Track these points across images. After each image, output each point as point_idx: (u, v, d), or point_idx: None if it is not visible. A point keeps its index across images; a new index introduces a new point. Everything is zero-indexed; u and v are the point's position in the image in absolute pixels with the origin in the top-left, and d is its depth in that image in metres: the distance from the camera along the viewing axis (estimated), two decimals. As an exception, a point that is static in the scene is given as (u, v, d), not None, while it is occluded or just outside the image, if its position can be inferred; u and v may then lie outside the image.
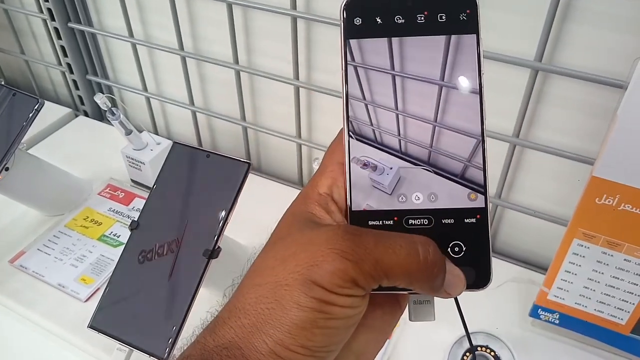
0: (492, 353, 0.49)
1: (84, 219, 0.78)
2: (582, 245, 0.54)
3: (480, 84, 0.26)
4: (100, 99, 0.71)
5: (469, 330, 0.51)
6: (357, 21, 0.26)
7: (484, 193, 0.26)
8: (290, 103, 0.77)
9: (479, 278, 0.26)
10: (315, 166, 0.58)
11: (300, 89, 0.75)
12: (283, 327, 0.23)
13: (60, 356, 0.62)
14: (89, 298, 0.67)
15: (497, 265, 0.70)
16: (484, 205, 0.26)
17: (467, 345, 0.49)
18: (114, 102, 0.98)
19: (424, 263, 0.24)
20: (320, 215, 0.27)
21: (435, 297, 0.27)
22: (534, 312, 0.61)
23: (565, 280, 0.57)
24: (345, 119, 0.27)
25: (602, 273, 0.55)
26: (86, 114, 1.03)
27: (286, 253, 0.24)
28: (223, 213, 0.53)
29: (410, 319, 0.27)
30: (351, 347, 0.26)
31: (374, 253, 0.23)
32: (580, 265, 0.55)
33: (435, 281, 0.25)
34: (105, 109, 0.73)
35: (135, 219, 0.56)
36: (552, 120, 0.62)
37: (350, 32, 0.26)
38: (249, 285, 0.25)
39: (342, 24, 0.26)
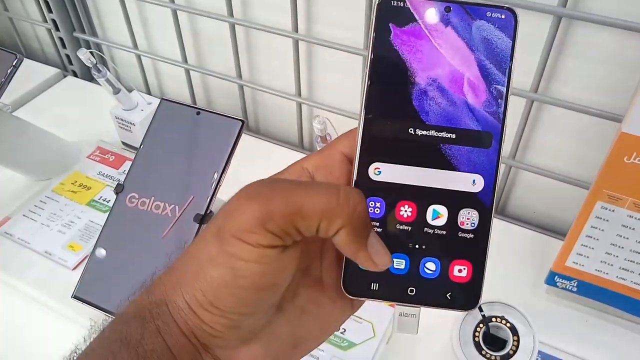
0: (508, 324, 0.45)
1: (72, 184, 0.74)
2: (606, 209, 0.50)
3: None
4: (84, 55, 0.66)
5: (486, 300, 0.48)
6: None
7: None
8: (289, 58, 0.72)
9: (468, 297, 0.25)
10: (316, 124, 0.53)
11: (299, 42, 0.70)
12: (196, 284, 0.23)
13: (47, 327, 0.59)
14: (77, 266, 0.63)
15: (510, 230, 0.66)
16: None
17: (480, 317, 0.46)
18: (104, 62, 0.93)
19: (344, 200, 0.22)
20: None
21: (420, 312, 0.26)
22: (550, 280, 0.57)
23: (586, 246, 0.53)
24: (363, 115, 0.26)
25: (627, 238, 0.51)
26: (75, 74, 0.98)
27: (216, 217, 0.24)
28: (215, 175, 0.49)
29: (394, 331, 0.27)
30: (290, 330, 0.25)
31: (286, 191, 0.22)
32: (603, 230, 0.51)
33: (359, 234, 0.23)
34: (90, 66, 0.68)
35: (122, 182, 0.52)
36: (574, 74, 0.56)
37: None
38: (185, 250, 0.25)
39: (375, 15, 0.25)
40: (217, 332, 0.23)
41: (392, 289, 0.25)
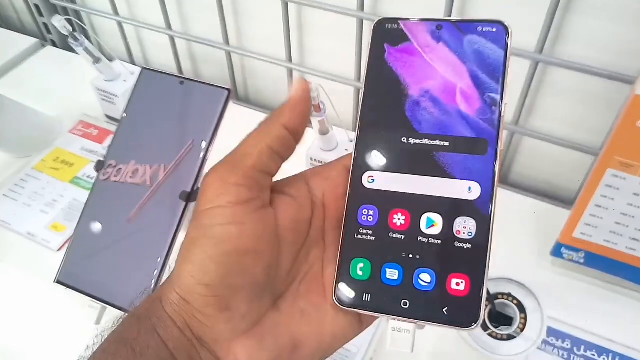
0: (515, 301, 0.43)
1: (54, 160, 0.70)
2: (617, 176, 0.47)
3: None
4: (59, 22, 0.62)
5: (491, 276, 0.46)
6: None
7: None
8: (278, 22, 0.68)
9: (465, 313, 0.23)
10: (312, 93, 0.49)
11: (289, 4, 0.66)
12: (184, 272, 0.23)
13: (31, 311, 0.57)
14: (61, 247, 0.61)
15: (513, 199, 0.64)
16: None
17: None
18: (84, 31, 0.88)
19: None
20: None
21: (415, 329, 0.24)
22: (557, 251, 0.54)
23: (595, 216, 0.50)
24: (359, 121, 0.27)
25: (638, 207, 0.48)
26: (54, 44, 0.93)
27: None
28: (201, 149, 0.45)
29: (388, 347, 0.25)
30: (289, 331, 0.25)
31: (231, 154, 0.25)
32: (613, 199, 0.49)
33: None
34: (67, 34, 0.63)
35: (102, 159, 0.49)
36: (582, 33, 0.53)
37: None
38: None
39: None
40: (209, 320, 0.23)
41: (385, 300, 0.24)
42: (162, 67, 0.88)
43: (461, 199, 0.24)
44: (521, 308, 0.43)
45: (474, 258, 0.23)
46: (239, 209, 0.23)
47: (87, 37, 0.66)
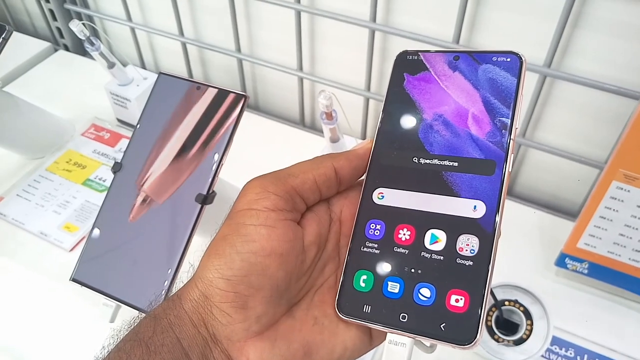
0: (522, 308, 0.44)
1: (67, 162, 0.71)
2: (621, 189, 0.48)
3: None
4: (77, 26, 0.63)
5: (498, 283, 0.47)
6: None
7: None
8: (290, 31, 0.69)
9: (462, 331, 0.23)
10: (321, 99, 0.51)
11: (301, 13, 0.67)
12: (209, 266, 0.24)
13: (44, 310, 0.57)
14: (74, 247, 0.62)
15: (518, 211, 0.65)
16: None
17: (492, 300, 0.44)
18: (97, 35, 0.90)
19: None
20: None
21: (412, 344, 0.24)
22: (561, 262, 0.55)
23: (599, 227, 0.51)
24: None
25: (642, 219, 0.49)
26: (67, 48, 0.95)
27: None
28: (217, 153, 0.47)
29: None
30: (301, 338, 0.25)
31: (279, 170, 0.27)
32: (617, 211, 0.50)
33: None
34: (83, 38, 0.65)
35: (119, 161, 0.50)
36: (590, 48, 0.54)
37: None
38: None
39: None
40: (225, 317, 0.24)
41: (384, 312, 0.25)
42: (173, 73, 0.89)
43: (466, 217, 0.25)
44: (527, 315, 0.44)
45: (475, 275, 0.23)
46: (273, 215, 0.25)
47: (100, 41, 0.67)
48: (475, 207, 0.25)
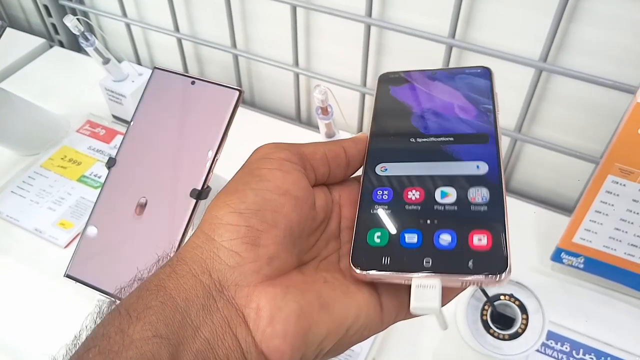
0: (517, 302, 0.44)
1: (62, 159, 0.71)
2: (617, 183, 0.48)
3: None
4: (71, 22, 0.63)
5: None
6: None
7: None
8: (286, 27, 0.69)
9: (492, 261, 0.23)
10: (317, 94, 0.50)
11: (297, 8, 0.67)
12: (221, 203, 0.23)
13: (39, 307, 0.57)
14: (68, 244, 0.61)
15: (515, 206, 0.65)
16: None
17: (487, 296, 0.44)
18: (92, 31, 0.89)
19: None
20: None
21: (440, 285, 0.23)
22: (556, 256, 0.55)
23: (595, 222, 0.51)
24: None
25: (638, 213, 0.49)
26: (62, 44, 0.94)
27: None
28: (212, 148, 0.46)
29: (410, 309, 0.23)
30: (315, 292, 0.23)
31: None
32: (612, 205, 0.50)
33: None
34: (78, 34, 0.64)
35: (113, 156, 0.50)
36: (586, 42, 0.54)
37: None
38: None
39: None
40: (234, 257, 0.22)
41: (406, 261, 0.24)
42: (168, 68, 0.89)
43: (471, 175, 0.26)
44: (523, 309, 0.44)
45: (492, 216, 0.24)
46: (287, 163, 0.25)
47: (95, 36, 0.67)
48: (478, 166, 0.26)
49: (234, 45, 0.76)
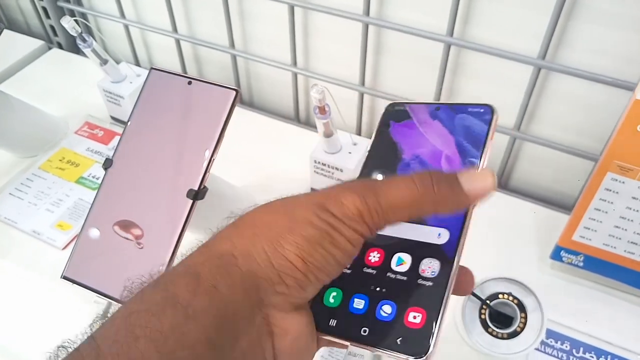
0: (515, 301, 0.44)
1: (60, 160, 0.71)
2: (616, 180, 0.48)
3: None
4: (68, 23, 0.63)
5: (492, 276, 0.46)
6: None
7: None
8: (284, 26, 0.69)
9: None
10: (314, 93, 0.50)
11: (295, 8, 0.67)
12: (288, 237, 0.23)
13: (37, 308, 0.57)
14: (66, 245, 0.61)
15: (514, 204, 0.64)
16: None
17: (485, 295, 0.44)
18: (90, 33, 0.89)
19: (425, 186, 0.24)
20: None
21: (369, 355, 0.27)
22: (556, 254, 0.55)
23: (594, 219, 0.51)
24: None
25: (637, 211, 0.49)
26: (60, 46, 0.94)
27: (300, 195, 0.26)
28: (209, 149, 0.46)
29: None
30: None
31: (377, 189, 0.24)
32: (612, 203, 0.49)
33: (450, 197, 0.25)
34: (75, 35, 0.64)
35: (110, 157, 0.50)
36: (584, 40, 0.54)
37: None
38: (253, 210, 0.26)
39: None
40: (283, 288, 0.24)
41: (348, 327, 0.26)
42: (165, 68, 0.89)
43: (430, 243, 0.27)
44: (521, 307, 0.43)
45: (433, 295, 0.25)
46: (358, 239, 0.25)
47: (93, 38, 0.67)
48: (439, 234, 0.27)
49: (232, 45, 0.76)
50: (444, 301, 0.25)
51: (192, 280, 0.23)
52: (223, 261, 0.23)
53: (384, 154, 0.32)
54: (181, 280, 0.23)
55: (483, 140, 0.29)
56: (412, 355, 0.24)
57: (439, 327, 0.24)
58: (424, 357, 0.24)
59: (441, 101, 0.31)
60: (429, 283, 0.26)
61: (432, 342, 0.24)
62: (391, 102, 0.33)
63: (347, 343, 0.26)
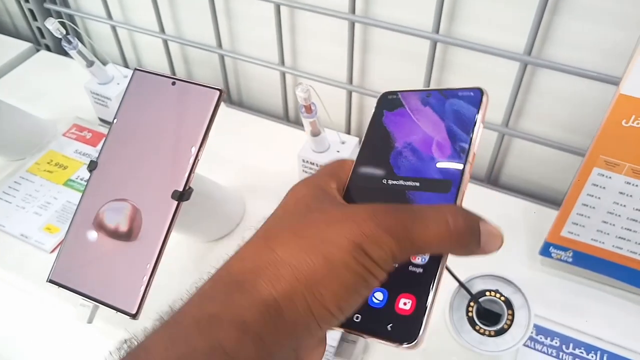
0: (502, 298, 0.44)
1: (48, 163, 0.71)
2: (603, 175, 0.48)
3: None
4: (52, 24, 0.62)
5: (479, 274, 0.46)
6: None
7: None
8: (271, 26, 0.69)
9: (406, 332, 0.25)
10: (299, 92, 0.50)
11: (281, 7, 0.66)
12: (328, 285, 0.23)
13: (25, 312, 0.57)
14: (54, 248, 0.61)
15: (503, 201, 0.64)
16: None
17: (472, 293, 0.44)
18: (78, 35, 0.89)
19: (455, 233, 0.24)
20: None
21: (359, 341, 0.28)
22: (545, 251, 0.55)
23: (582, 215, 0.51)
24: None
25: (624, 205, 0.49)
26: (48, 48, 0.94)
27: (329, 217, 0.25)
28: (193, 149, 0.46)
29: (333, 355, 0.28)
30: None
31: (411, 232, 0.24)
32: (599, 198, 0.49)
33: (468, 247, 0.25)
34: (60, 37, 0.64)
35: (95, 159, 0.49)
36: (570, 35, 0.54)
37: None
38: (284, 235, 0.25)
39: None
40: (318, 332, 0.24)
41: None
42: (155, 70, 0.88)
43: None
44: (508, 304, 0.43)
45: (423, 281, 0.25)
46: (385, 276, 0.25)
47: (81, 41, 0.66)
48: None
49: (220, 45, 0.76)
50: (433, 288, 0.25)
51: (239, 328, 0.22)
52: (268, 309, 0.22)
53: (377, 144, 0.32)
54: (228, 326, 0.22)
55: (472, 124, 0.29)
56: (402, 341, 0.24)
57: (429, 313, 0.25)
58: (413, 343, 0.24)
59: (432, 87, 0.31)
60: (419, 270, 0.26)
61: (421, 329, 0.24)
62: (385, 91, 0.33)
63: (341, 330, 0.26)
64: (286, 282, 0.23)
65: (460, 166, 0.28)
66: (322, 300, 0.23)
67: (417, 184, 0.29)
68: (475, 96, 0.30)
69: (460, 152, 0.28)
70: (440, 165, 0.29)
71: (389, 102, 0.33)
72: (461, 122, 0.29)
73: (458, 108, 0.30)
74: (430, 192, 0.28)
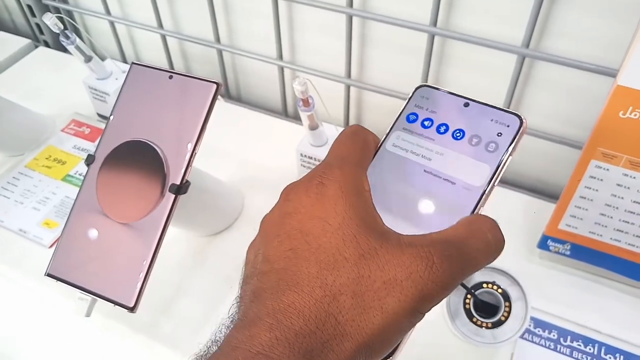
0: (499, 290, 0.44)
1: (47, 158, 0.71)
2: (600, 167, 0.48)
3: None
4: (50, 20, 0.62)
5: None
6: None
7: None
8: (269, 19, 0.69)
9: None
10: (296, 86, 0.50)
11: (279, 1, 0.66)
12: (380, 349, 0.23)
13: (24, 306, 0.57)
14: (53, 243, 0.61)
15: (501, 195, 0.64)
16: None
17: (469, 286, 0.44)
18: (76, 31, 0.89)
19: (493, 254, 0.25)
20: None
21: None
22: (543, 244, 0.55)
23: (580, 207, 0.51)
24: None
25: (622, 198, 0.49)
26: (47, 45, 0.94)
27: (385, 275, 0.23)
28: (190, 142, 0.46)
29: None
30: None
31: (463, 275, 0.24)
32: (597, 190, 0.49)
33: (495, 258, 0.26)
34: (58, 32, 0.64)
35: (92, 153, 0.49)
36: (568, 27, 0.54)
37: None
38: (344, 299, 0.23)
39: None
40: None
41: None
42: (146, 63, 0.88)
43: None
44: (506, 296, 0.43)
45: None
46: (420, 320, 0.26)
47: (80, 37, 0.66)
48: None
49: (218, 40, 0.76)
50: None
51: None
52: (327, 345, 0.22)
53: (410, 124, 0.30)
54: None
55: (503, 151, 0.28)
56: None
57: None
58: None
59: (472, 97, 0.30)
60: None
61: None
62: (421, 84, 0.31)
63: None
64: (348, 353, 0.23)
65: (483, 187, 0.27)
66: (371, 345, 0.23)
67: (450, 182, 0.28)
68: (513, 122, 0.28)
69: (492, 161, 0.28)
70: (470, 166, 0.28)
71: (423, 99, 0.31)
72: (489, 144, 0.28)
73: (492, 128, 0.28)
74: (457, 192, 0.28)
